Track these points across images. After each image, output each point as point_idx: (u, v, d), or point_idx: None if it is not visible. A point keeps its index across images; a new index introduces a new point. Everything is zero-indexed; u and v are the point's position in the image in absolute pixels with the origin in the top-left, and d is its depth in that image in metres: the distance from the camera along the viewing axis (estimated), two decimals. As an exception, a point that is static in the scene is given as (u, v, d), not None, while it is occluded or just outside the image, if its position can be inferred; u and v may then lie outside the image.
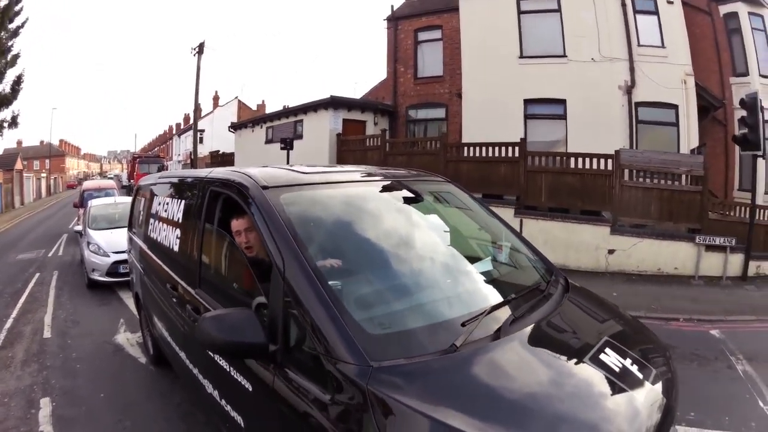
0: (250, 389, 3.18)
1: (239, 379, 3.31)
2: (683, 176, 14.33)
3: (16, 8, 29.87)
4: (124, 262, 11.00)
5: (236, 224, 3.94)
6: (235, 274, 4.07)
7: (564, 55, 18.63)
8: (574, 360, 2.81)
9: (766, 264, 14.35)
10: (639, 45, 18.18)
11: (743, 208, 15.34)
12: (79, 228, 15.43)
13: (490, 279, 3.60)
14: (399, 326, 2.86)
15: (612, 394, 2.59)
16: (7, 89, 29.68)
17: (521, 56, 19.35)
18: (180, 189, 5.36)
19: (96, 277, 11.94)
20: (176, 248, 4.90)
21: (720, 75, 21.32)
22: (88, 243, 12.61)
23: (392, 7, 26.22)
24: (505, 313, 3.01)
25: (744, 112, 14.38)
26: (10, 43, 29.85)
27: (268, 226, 3.15)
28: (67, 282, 13.33)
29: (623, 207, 14.63)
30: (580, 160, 15.14)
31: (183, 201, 4.96)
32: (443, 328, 2.81)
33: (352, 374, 2.42)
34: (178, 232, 4.93)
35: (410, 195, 4.12)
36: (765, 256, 14.49)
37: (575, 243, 14.65)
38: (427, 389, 2.37)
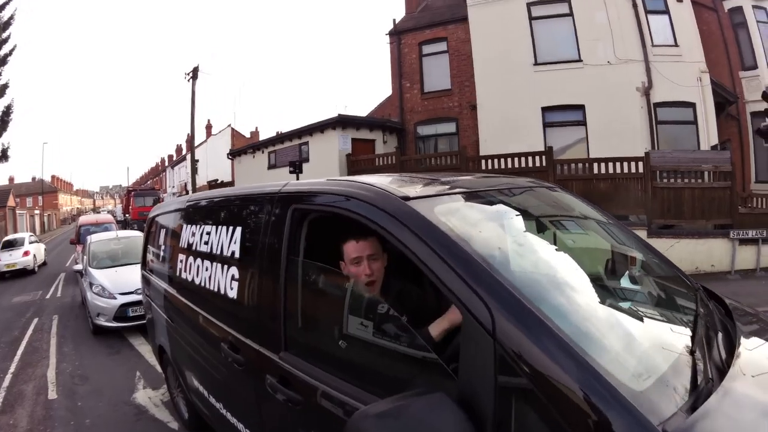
0: None
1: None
2: (710, 173, 14.52)
3: (4, 35, 28.56)
4: (134, 304, 9.94)
5: (353, 249, 3.01)
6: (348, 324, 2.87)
7: (579, 60, 18.49)
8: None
9: None
10: (653, 45, 18.15)
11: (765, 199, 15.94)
12: (78, 267, 13.98)
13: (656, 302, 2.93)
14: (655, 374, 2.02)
15: None
16: (-4, 120, 28.29)
17: (536, 63, 19.11)
18: (232, 212, 4.15)
19: (102, 322, 10.50)
20: (232, 293, 3.66)
21: (729, 70, 21.25)
22: (91, 284, 11.23)
23: (394, 21, 25.36)
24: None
25: (763, 105, 14.74)
26: (-2, 72, 28.53)
27: (439, 254, 2.21)
28: (68, 328, 11.87)
29: (656, 208, 14.57)
30: (610, 164, 14.96)
31: (240, 228, 3.73)
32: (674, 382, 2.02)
33: None
34: (233, 271, 3.69)
35: (553, 206, 3.57)
36: None
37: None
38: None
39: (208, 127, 58.96)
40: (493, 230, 2.76)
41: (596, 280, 2.75)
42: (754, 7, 21.33)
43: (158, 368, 7.04)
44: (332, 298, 3.06)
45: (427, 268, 2.22)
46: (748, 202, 15.52)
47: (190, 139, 34.31)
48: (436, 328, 2.58)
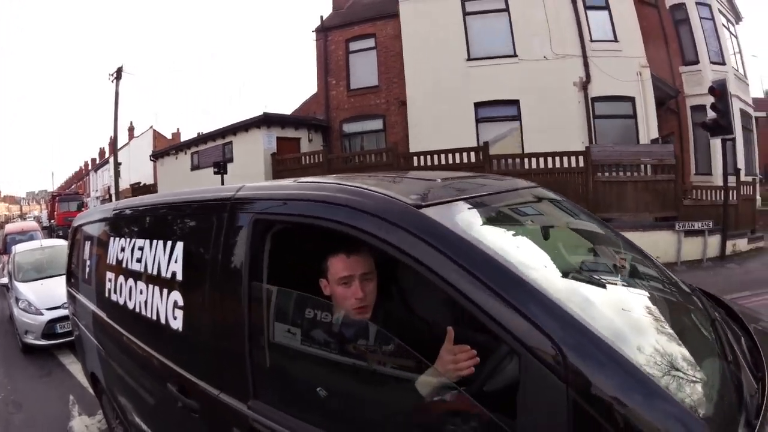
0: None
1: None
2: (654, 166, 14.90)
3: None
4: (62, 319, 9.20)
5: (342, 267, 2.45)
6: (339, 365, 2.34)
7: (515, 55, 18.50)
8: None
9: (741, 241, 15.58)
10: (592, 40, 18.29)
11: (714, 191, 16.81)
12: (4, 280, 12.81)
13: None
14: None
15: None
16: None
17: (469, 58, 18.98)
18: (169, 224, 3.49)
19: (31, 340, 9.70)
20: (177, 324, 3.00)
21: (670, 65, 21.79)
22: (17, 299, 10.42)
23: (321, 17, 24.76)
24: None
25: (703, 99, 16.18)
26: None
27: (479, 277, 1.77)
28: (-2, 347, 10.94)
29: (599, 202, 14.54)
30: (549, 159, 14.99)
31: (181, 244, 3.09)
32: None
33: None
34: (176, 297, 3.02)
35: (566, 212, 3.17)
36: (738, 234, 15.68)
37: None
38: None
39: (131, 129, 57.40)
40: (529, 244, 2.37)
41: (654, 304, 2.36)
42: (697, 3, 22.03)
43: (92, 391, 6.34)
44: (312, 331, 2.41)
45: (462, 295, 1.79)
46: (689, 194, 16.36)
47: (113, 142, 33.14)
48: (424, 385, 2.02)
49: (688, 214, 14.77)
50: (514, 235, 2.39)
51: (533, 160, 15.39)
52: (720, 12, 23.44)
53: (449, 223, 2.01)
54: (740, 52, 25.18)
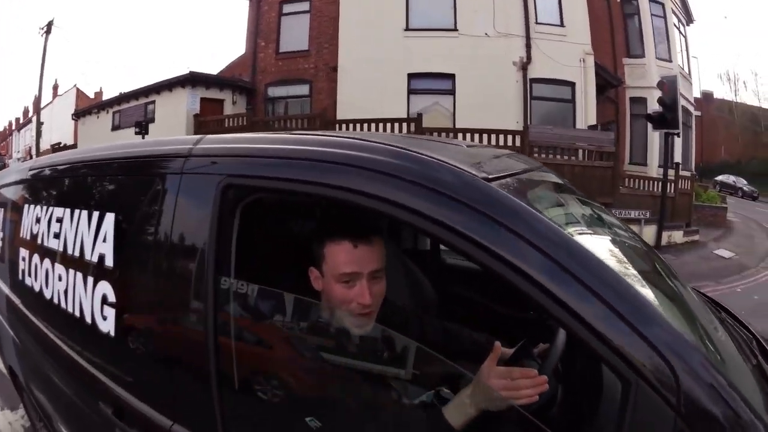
0: None
1: None
2: (592, 152, 15.03)
3: None
4: None
5: (346, 259, 1.74)
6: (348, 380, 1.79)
7: (455, 29, 18.15)
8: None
9: (677, 233, 16.01)
10: (537, 23, 18.32)
11: (650, 182, 17.68)
12: None
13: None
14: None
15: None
16: None
17: (407, 29, 18.55)
18: (94, 187, 2.61)
19: None
20: (107, 327, 2.16)
21: (613, 55, 22.33)
22: None
23: None
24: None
25: (643, 92, 17.30)
26: None
27: (579, 277, 1.36)
28: None
29: None
30: (485, 136, 14.75)
31: (111, 216, 2.21)
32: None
33: None
34: (105, 290, 2.17)
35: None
36: (674, 226, 16.09)
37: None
38: None
39: (55, 87, 55.22)
40: (605, 240, 1.95)
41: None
42: (650, 1, 22.91)
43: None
44: (302, 342, 1.84)
45: (553, 299, 1.34)
46: (624, 183, 16.89)
47: (37, 101, 31.75)
48: (456, 413, 1.54)
49: (624, 202, 15.01)
50: (589, 226, 2.00)
51: (467, 135, 14.92)
52: (673, 12, 24.28)
53: (532, 207, 1.52)
54: (687, 51, 26.20)
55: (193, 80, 21.92)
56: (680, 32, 25.35)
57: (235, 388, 1.75)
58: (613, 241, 2.00)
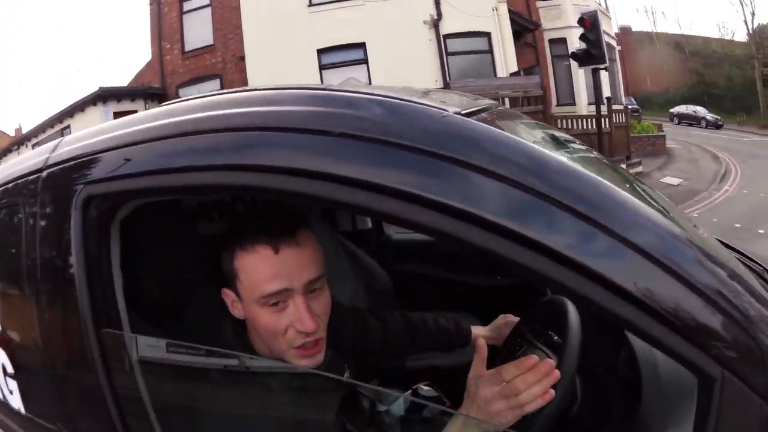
0: None
1: None
2: (511, 99, 14.93)
3: None
4: None
5: (268, 271, 1.06)
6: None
7: None
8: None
9: (619, 167, 14.92)
10: None
11: (583, 120, 17.06)
12: None
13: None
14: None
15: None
16: None
17: (311, 4, 18.18)
18: None
19: None
20: (18, 406, 1.43)
21: (526, 0, 21.66)
22: None
23: None
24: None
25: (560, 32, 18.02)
26: None
27: (630, 241, 0.85)
28: None
29: None
30: None
31: None
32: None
33: None
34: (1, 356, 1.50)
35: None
36: (615, 160, 14.35)
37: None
38: None
39: None
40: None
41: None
42: None
43: None
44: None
45: (597, 279, 0.84)
46: (555, 124, 15.70)
47: None
48: None
49: (558, 144, 14.42)
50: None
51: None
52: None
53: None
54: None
55: (103, 96, 21.26)
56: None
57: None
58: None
